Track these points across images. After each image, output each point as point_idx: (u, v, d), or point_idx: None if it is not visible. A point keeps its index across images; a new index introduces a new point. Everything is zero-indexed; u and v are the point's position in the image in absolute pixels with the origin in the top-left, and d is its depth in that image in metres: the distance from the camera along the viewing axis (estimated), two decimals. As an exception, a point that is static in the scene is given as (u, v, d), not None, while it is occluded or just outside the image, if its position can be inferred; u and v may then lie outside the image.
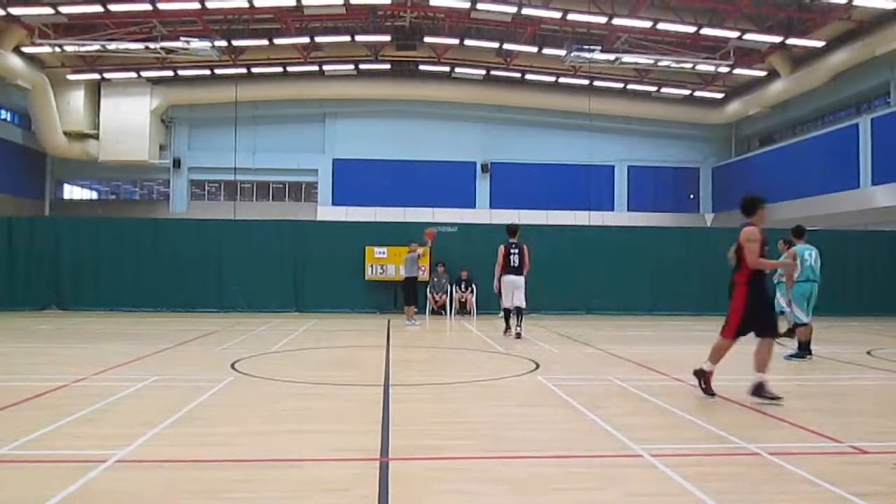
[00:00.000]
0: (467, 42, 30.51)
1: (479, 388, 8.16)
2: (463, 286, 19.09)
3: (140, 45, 28.58)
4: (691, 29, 27.26)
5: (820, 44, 28.13)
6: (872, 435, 5.75)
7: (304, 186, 38.19)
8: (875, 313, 18.67)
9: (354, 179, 36.22)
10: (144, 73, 33.61)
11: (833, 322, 16.42)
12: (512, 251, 13.42)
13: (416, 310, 16.84)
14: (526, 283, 13.42)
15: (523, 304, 13.31)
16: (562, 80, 34.76)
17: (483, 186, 37.54)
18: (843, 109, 31.74)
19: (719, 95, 36.32)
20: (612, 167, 38.20)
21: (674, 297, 19.55)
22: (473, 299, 18.91)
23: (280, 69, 33.72)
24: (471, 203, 36.75)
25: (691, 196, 38.82)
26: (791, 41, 28.04)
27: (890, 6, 24.38)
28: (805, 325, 10.49)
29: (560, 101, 36.24)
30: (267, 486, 4.35)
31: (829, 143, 29.03)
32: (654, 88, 35.33)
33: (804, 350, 10.54)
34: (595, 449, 5.28)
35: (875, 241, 21.03)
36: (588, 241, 20.16)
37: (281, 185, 38.20)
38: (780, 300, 12.96)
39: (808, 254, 10.57)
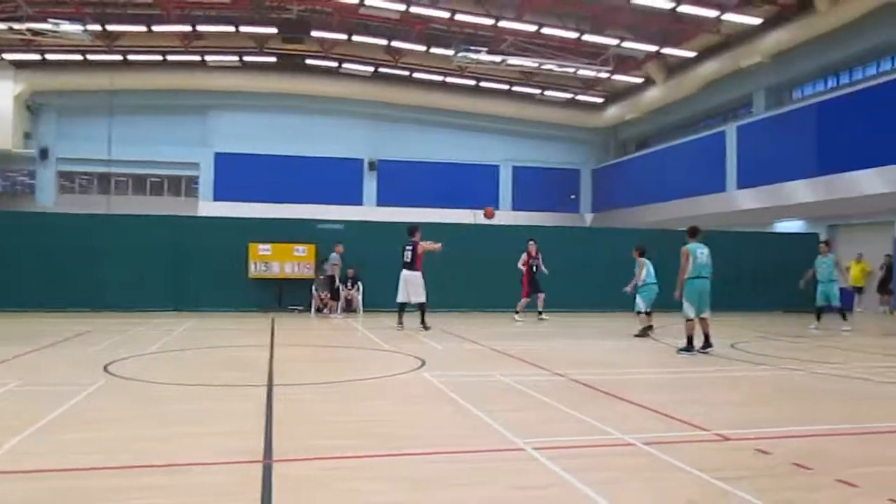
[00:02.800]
0: (356, 38, 30.31)
1: (366, 386, 8.12)
2: (349, 284, 18.95)
3: (2, 26, 26.65)
4: (574, 35, 28.18)
5: (692, 54, 29.76)
6: (735, 423, 6.13)
7: (184, 181, 36.77)
8: (740, 309, 19.88)
9: (238, 174, 35.19)
10: (7, 56, 31.39)
11: (721, 317, 17.39)
12: (406, 248, 14.46)
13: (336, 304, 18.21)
14: (425, 278, 14.42)
15: (419, 299, 14.30)
16: (449, 79, 35.16)
17: (370, 184, 37.41)
18: (712, 117, 33.69)
19: (599, 100, 37.74)
20: (498, 167, 38.98)
21: (556, 294, 20.11)
22: (360, 297, 18.82)
23: (159, 57, 32.32)
24: (358, 200, 36.57)
25: (572, 196, 40.12)
26: (666, 50, 29.50)
27: (754, 22, 26.06)
28: (692, 320, 11.02)
29: (447, 101, 36.62)
30: (146, 494, 4.16)
31: (699, 149, 30.72)
32: (538, 91, 36.32)
33: (691, 345, 11.05)
34: (480, 444, 5.36)
35: (742, 241, 22.45)
36: (474, 239, 20.45)
37: (159, 179, 36.61)
38: (639, 303, 13.78)
39: (700, 252, 11.05)
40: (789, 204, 25.02)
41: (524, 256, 17.45)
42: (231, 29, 29.07)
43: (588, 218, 39.42)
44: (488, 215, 17.73)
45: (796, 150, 24.84)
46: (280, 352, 10.84)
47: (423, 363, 9.51)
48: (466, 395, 7.19)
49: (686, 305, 11.05)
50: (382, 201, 36.61)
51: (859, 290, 22.57)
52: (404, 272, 14.42)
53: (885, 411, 6.97)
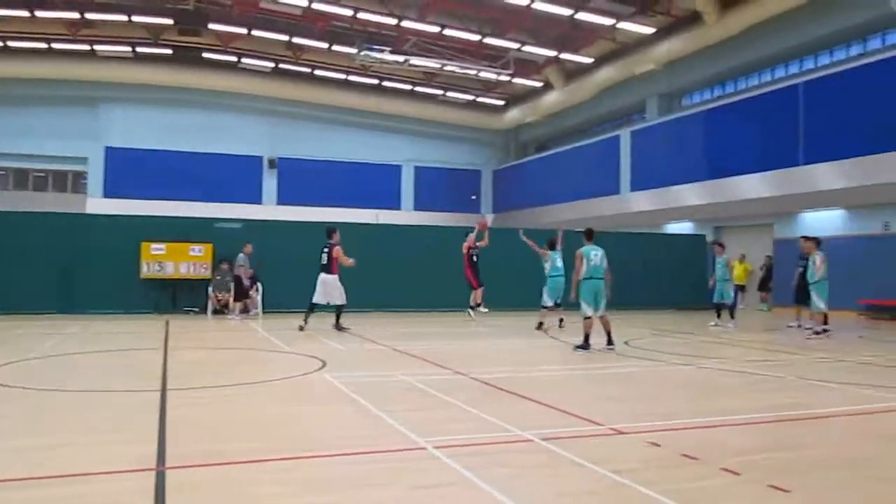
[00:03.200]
0: (256, 32, 29.59)
1: (264, 388, 7.96)
2: (248, 284, 18.51)
3: None
4: (476, 37, 28.53)
5: (589, 60, 30.68)
6: (628, 417, 6.35)
7: (70, 176, 34.90)
8: (634, 306, 20.62)
9: (130, 170, 33.65)
10: None
11: (613, 315, 17.96)
12: (324, 251, 14.40)
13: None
14: (342, 281, 14.46)
15: (336, 301, 14.34)
16: (352, 78, 34.89)
17: (270, 182, 36.60)
18: (608, 121, 34.82)
19: (500, 102, 38.39)
20: (400, 167, 38.96)
21: (460, 293, 20.29)
22: (259, 298, 18.41)
23: (44, 45, 30.57)
24: (257, 199, 35.70)
25: (473, 197, 40.61)
26: (564, 56, 30.30)
27: (648, 31, 27.12)
28: (589, 318, 11.35)
29: (350, 99, 36.33)
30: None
31: (596, 152, 31.69)
32: (440, 92, 36.58)
33: (587, 342, 11.35)
34: (381, 445, 5.34)
35: (633, 241, 23.31)
36: (377, 239, 20.37)
37: (43, 174, 34.59)
38: (545, 296, 14.53)
39: (594, 254, 11.41)
40: (679, 206, 26.17)
41: (467, 242, 17.33)
42: (123, 18, 27.83)
43: (489, 218, 39.94)
44: (481, 226, 17.73)
45: (686, 155, 25.99)
46: (174, 355, 10.47)
47: (324, 364, 9.40)
48: (368, 395, 7.15)
49: (583, 305, 11.37)
50: (283, 200, 35.89)
51: (742, 288, 23.83)
52: (321, 275, 14.33)
53: (764, 402, 7.38)
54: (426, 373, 8.90)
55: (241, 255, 18.12)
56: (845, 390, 8.31)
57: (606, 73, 30.97)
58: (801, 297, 15.85)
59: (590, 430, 5.89)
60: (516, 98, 37.65)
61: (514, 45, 29.26)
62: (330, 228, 14.81)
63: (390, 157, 38.42)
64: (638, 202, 28.29)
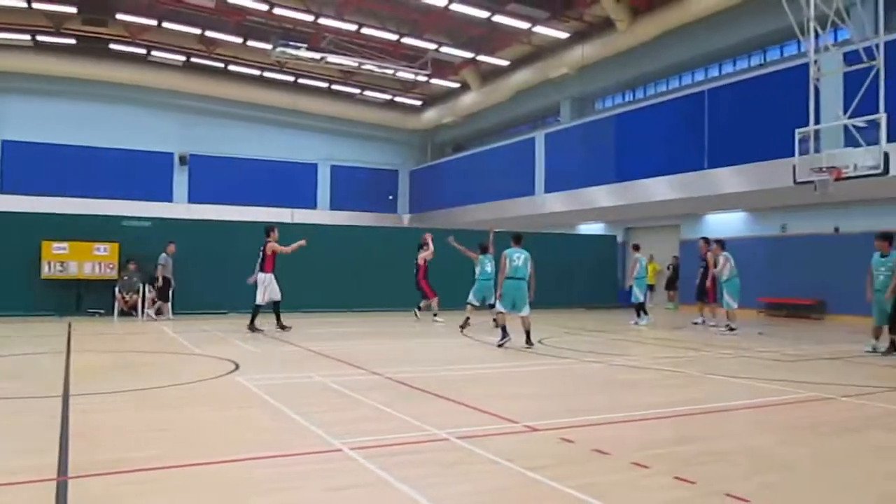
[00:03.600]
0: (166, 25, 28.58)
1: (173, 392, 7.72)
2: (162, 285, 17.93)
3: None
4: (393, 37, 28.49)
5: (505, 63, 31.11)
6: (542, 414, 6.48)
7: (-38, 170, 32.95)
8: (548, 305, 20.99)
9: (30, 165, 32.03)
10: None
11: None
12: (260, 250, 14.33)
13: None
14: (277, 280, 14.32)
15: (274, 298, 14.20)
16: (267, 74, 34.24)
17: (181, 179, 35.51)
18: (523, 123, 35.39)
19: (418, 102, 38.46)
20: (316, 165, 38.53)
21: (376, 293, 20.26)
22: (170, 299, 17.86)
23: (-67, 31, 28.78)
24: (167, 196, 34.59)
25: (390, 197, 40.55)
26: (481, 58, 30.61)
27: (562, 36, 27.71)
28: (502, 313, 11.90)
29: (265, 96, 35.66)
30: None
31: (511, 154, 32.13)
32: (357, 91, 36.37)
33: (505, 333, 11.88)
34: (295, 447, 5.27)
35: (547, 241, 23.74)
36: (293, 239, 20.03)
37: (-70, 168, 32.56)
38: (471, 296, 14.78)
39: (517, 256, 11.88)
40: (591, 208, 26.83)
41: (426, 253, 17.38)
42: (22, 4, 26.43)
43: (406, 218, 39.99)
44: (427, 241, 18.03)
45: (598, 157, 26.67)
46: (78, 359, 10.03)
47: (237, 367, 9.20)
48: (282, 397, 7.05)
49: (498, 302, 11.98)
50: (195, 198, 34.87)
51: (651, 287, 24.64)
52: (259, 274, 14.24)
53: (672, 397, 7.66)
54: (342, 374, 8.83)
55: (163, 254, 17.49)
56: (745, 384, 8.71)
57: (522, 76, 31.50)
58: (702, 294, 16.74)
59: (505, 427, 5.97)
60: (434, 98, 37.80)
61: (432, 46, 29.38)
62: (267, 227, 14.63)
63: (306, 155, 37.96)
64: (552, 203, 28.85)
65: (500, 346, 11.75)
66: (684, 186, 22.55)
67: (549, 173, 29.62)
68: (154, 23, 28.36)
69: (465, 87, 35.05)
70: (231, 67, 33.60)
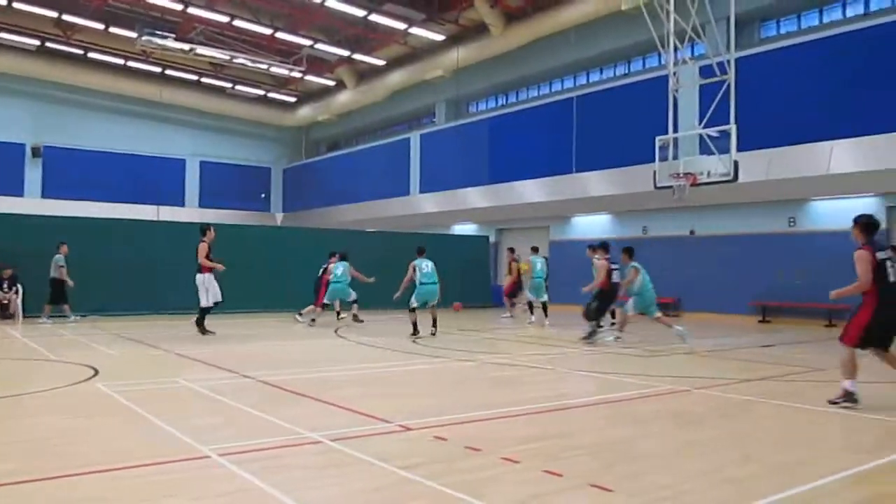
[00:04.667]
0: (17, 5, 26.42)
1: (26, 401, 7.21)
2: (6, 286, 16.70)
3: None
4: (267, 31, 27.83)
5: (381, 63, 31.09)
6: (416, 413, 6.53)
7: None
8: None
9: None
10: None
11: (389, 314, 18.27)
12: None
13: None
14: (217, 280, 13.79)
15: (209, 302, 13.58)
16: (131, 63, 32.51)
17: (34, 172, 33.09)
18: (399, 123, 35.48)
19: (292, 99, 37.76)
20: (184, 161, 37.01)
21: (248, 294, 19.69)
22: (19, 301, 16.64)
23: None
24: (18, 190, 32.14)
25: (262, 195, 39.60)
26: (357, 56, 30.45)
27: (438, 38, 28.01)
28: (413, 311, 13.80)
29: (129, 87, 33.87)
30: None
31: (387, 154, 32.17)
32: (229, 85, 35.25)
33: (416, 330, 13.77)
34: (160, 455, 5.04)
35: (421, 241, 23.88)
36: (157, 237, 19.22)
37: None
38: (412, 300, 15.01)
39: (425, 265, 14.02)
40: (465, 208, 27.28)
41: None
42: None
43: (279, 217, 39.18)
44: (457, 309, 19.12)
45: (471, 159, 27.15)
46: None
47: (96, 372, 8.70)
48: (145, 404, 6.73)
49: (412, 301, 13.87)
50: (49, 193, 32.58)
51: (520, 286, 25.29)
52: (195, 276, 13.58)
53: (540, 393, 7.92)
54: (210, 377, 8.54)
55: (58, 255, 16.23)
56: (609, 379, 9.13)
57: (398, 77, 31.60)
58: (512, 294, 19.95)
59: (379, 427, 5.97)
60: (308, 96, 37.25)
61: (307, 42, 28.93)
62: (203, 227, 13.98)
63: (173, 150, 36.40)
64: (426, 204, 29.10)
65: (412, 338, 13.36)
66: (554, 189, 23.34)
67: (424, 174, 29.88)
68: (2, 2, 26.25)
69: (340, 86, 34.76)
70: (91, 55, 31.60)
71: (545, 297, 18.39)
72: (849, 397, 7.06)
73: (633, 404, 7.41)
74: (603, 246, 14.21)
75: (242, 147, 38.94)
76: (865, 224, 7.42)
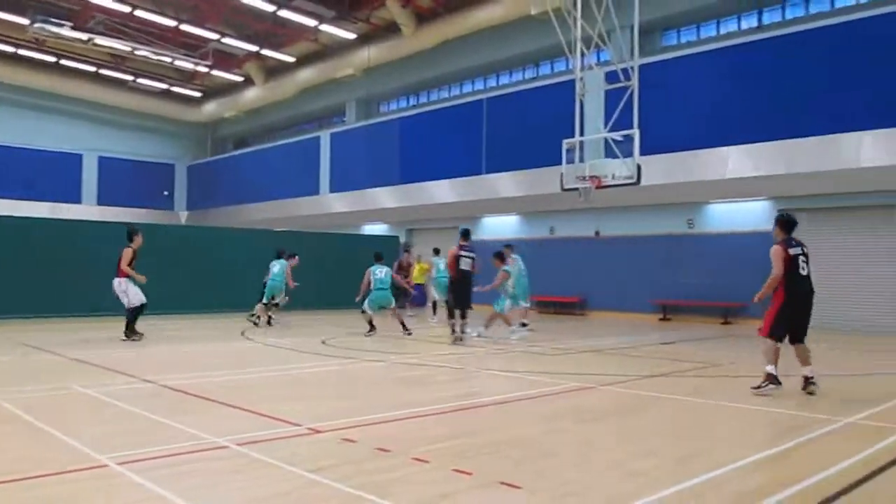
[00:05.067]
0: None
1: None
2: None
3: None
4: (172, 23, 26.93)
5: (291, 59, 30.60)
6: (325, 415, 6.45)
7: None
8: (330, 307, 20.94)
9: None
10: None
11: (314, 315, 17.99)
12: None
13: None
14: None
15: (132, 304, 12.88)
16: (23, 52, 30.80)
17: (-89, 165, 30.98)
18: (309, 122, 35.00)
19: (197, 94, 36.68)
20: (81, 156, 35.36)
21: (151, 296, 18.96)
22: None
23: None
24: None
25: (165, 193, 38.30)
26: (266, 52, 29.86)
27: (349, 36, 27.78)
28: (366, 313, 14.50)
29: (20, 76, 32.13)
30: None
31: (296, 152, 31.68)
32: (130, 77, 33.92)
33: (373, 327, 14.46)
34: (56, 465, 4.78)
35: (331, 241, 23.70)
36: (54, 236, 18.25)
37: None
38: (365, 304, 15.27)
39: (379, 271, 14.76)
40: (375, 209, 27.17)
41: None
42: None
43: (183, 216, 37.99)
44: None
45: (382, 159, 27.06)
46: None
47: (-17, 378, 8.20)
48: (35, 411, 6.39)
49: (366, 305, 14.61)
50: (-72, 188, 30.60)
51: (420, 286, 25.28)
52: (114, 279, 12.91)
53: (450, 392, 7.96)
54: (108, 383, 8.18)
55: None
56: (517, 377, 9.27)
57: (308, 74, 31.19)
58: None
59: (287, 431, 5.87)
60: (215, 91, 36.27)
61: (214, 36, 28.16)
62: (131, 230, 13.24)
63: (69, 144, 34.73)
64: (336, 203, 28.83)
65: (368, 335, 14.03)
66: (464, 189, 23.53)
67: (335, 173, 29.59)
68: None
69: (248, 82, 34.00)
70: (-22, 42, 29.86)
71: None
72: (772, 380, 7.72)
73: (541, 402, 7.55)
74: (463, 234, 14.12)
75: (144, 143, 37.56)
76: (785, 221, 8.05)
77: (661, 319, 20.25)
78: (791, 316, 7.73)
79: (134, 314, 12.95)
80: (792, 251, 7.75)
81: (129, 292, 12.85)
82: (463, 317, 13.55)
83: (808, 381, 7.78)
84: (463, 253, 13.63)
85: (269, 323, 16.36)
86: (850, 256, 17.39)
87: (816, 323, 8.55)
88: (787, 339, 7.83)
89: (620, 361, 11.06)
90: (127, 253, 12.83)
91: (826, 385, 8.13)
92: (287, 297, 16.93)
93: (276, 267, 16.52)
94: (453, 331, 13.44)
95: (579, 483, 4.52)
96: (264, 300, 16.41)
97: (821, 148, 16.11)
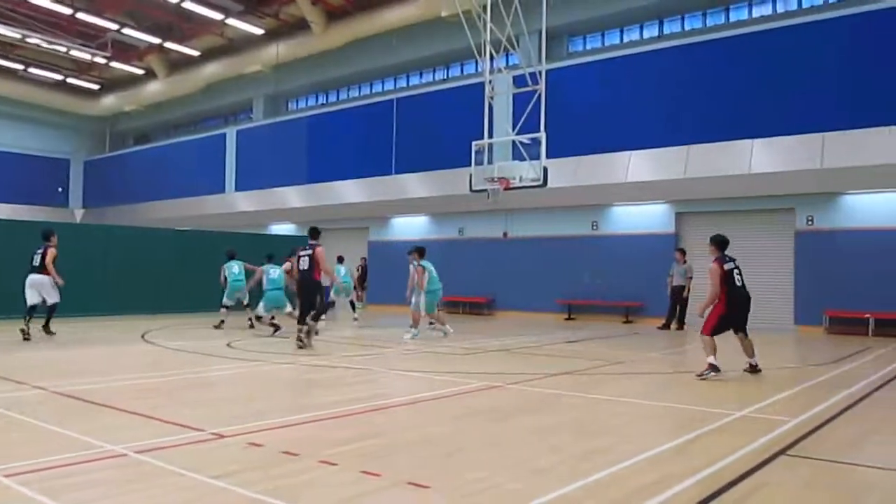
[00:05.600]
0: None
1: None
2: None
3: None
4: (67, 11, 25.69)
5: (196, 53, 29.72)
6: (230, 420, 6.29)
7: None
8: (237, 308, 20.42)
9: None
10: None
11: (197, 317, 17.50)
12: (37, 252, 13.38)
13: None
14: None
15: (49, 301, 13.41)
16: None
17: None
18: (214, 118, 34.10)
19: (95, 86, 35.13)
20: (-35, 149, 33.33)
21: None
22: None
23: None
24: None
25: (60, 189, 36.50)
26: (169, 45, 28.90)
27: (257, 31, 27.22)
28: (263, 315, 14.82)
29: None
30: None
31: (201, 149, 30.83)
32: (20, 67, 32.14)
33: (278, 328, 14.51)
34: (-67, 478, 4.49)
35: (236, 241, 23.10)
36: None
37: None
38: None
39: (272, 270, 14.92)
40: (282, 208, 26.74)
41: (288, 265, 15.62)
42: None
43: (79, 214, 36.32)
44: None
45: (289, 158, 26.66)
46: None
47: None
48: (-85, 420, 5.98)
49: (259, 308, 14.90)
50: None
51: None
52: (32, 276, 13.31)
53: (358, 394, 7.92)
54: (-4, 389, 7.74)
55: None
56: (425, 378, 9.31)
57: (214, 69, 30.37)
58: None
59: (190, 436, 5.70)
60: (114, 84, 34.83)
61: (113, 26, 27.03)
62: (48, 231, 13.74)
63: (-48, 136, 32.66)
64: (242, 202, 28.22)
65: (273, 335, 14.12)
66: (373, 190, 23.47)
67: (241, 171, 28.97)
68: None
69: (150, 75, 32.82)
70: None
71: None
72: (713, 369, 8.77)
73: (448, 402, 7.61)
74: (312, 232, 13.01)
75: (36, 136, 35.69)
76: (719, 242, 9.35)
77: (566, 319, 20.76)
78: (729, 320, 9.05)
79: (53, 311, 13.59)
80: (727, 266, 9.01)
81: (45, 290, 13.39)
82: (315, 319, 12.55)
83: (753, 368, 9.24)
84: (301, 252, 12.65)
85: (251, 326, 16.05)
86: (747, 258, 18.23)
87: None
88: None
89: (527, 360, 11.27)
90: (53, 252, 13.31)
91: (723, 380, 8.62)
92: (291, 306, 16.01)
93: (235, 267, 16.39)
94: (299, 338, 12.23)
95: (486, 481, 4.59)
96: (226, 301, 16.16)
97: (716, 153, 16.91)
